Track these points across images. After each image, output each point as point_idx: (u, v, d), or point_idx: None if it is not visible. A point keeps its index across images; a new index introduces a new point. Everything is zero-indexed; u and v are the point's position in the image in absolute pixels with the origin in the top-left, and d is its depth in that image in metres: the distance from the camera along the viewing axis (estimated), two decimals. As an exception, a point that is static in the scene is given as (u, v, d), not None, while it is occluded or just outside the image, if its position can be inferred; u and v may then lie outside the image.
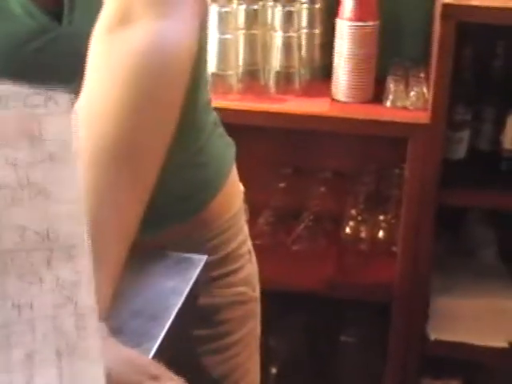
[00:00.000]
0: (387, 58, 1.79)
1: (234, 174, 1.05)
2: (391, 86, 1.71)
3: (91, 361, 0.40)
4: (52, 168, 0.38)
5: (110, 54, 0.70)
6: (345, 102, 1.72)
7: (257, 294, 1.10)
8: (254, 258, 1.11)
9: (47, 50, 0.84)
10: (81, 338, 0.39)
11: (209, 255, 0.99)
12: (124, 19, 0.71)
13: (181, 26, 0.73)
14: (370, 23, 1.67)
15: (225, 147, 1.05)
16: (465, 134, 1.71)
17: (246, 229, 1.09)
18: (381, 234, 1.89)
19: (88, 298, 0.40)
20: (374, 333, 1.93)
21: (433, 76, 1.59)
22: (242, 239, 1.07)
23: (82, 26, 0.76)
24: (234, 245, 1.04)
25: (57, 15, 0.83)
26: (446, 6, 1.52)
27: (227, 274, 1.03)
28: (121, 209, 0.68)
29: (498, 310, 1.76)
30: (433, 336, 1.78)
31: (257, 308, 1.11)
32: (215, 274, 1.02)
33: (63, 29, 0.83)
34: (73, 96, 0.46)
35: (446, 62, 1.55)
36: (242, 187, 1.09)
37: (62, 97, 0.40)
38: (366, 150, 1.94)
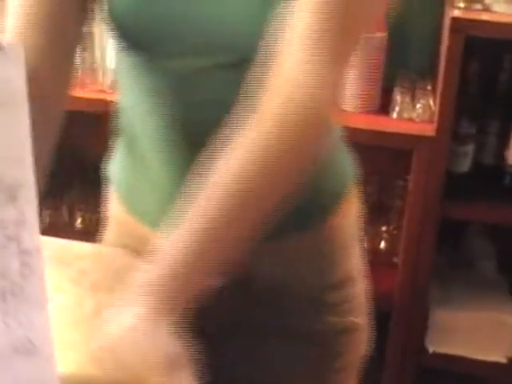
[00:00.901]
0: (394, 69, 1.79)
1: (353, 190, 1.01)
2: (398, 97, 1.71)
3: (36, 303, 0.39)
4: None
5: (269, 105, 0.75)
6: (351, 112, 1.72)
7: (367, 320, 1.06)
8: (365, 280, 1.06)
9: None
10: (25, 278, 0.38)
11: (323, 276, 0.97)
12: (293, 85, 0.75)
13: (335, 94, 0.80)
14: (378, 35, 1.68)
15: (346, 164, 1.02)
16: (469, 148, 1.71)
17: (358, 248, 1.04)
18: (382, 244, 1.89)
19: (32, 238, 0.39)
20: (372, 343, 1.92)
21: (439, 89, 1.59)
22: (356, 260, 1.03)
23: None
24: (348, 265, 1.00)
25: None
26: (455, 19, 1.52)
27: (340, 302, 0.99)
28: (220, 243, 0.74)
29: (497, 324, 1.76)
30: (431, 349, 1.77)
31: (364, 335, 1.06)
32: (330, 300, 0.98)
33: None
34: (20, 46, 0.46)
35: (453, 75, 1.55)
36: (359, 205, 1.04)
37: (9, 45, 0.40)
38: (370, 160, 1.93)
